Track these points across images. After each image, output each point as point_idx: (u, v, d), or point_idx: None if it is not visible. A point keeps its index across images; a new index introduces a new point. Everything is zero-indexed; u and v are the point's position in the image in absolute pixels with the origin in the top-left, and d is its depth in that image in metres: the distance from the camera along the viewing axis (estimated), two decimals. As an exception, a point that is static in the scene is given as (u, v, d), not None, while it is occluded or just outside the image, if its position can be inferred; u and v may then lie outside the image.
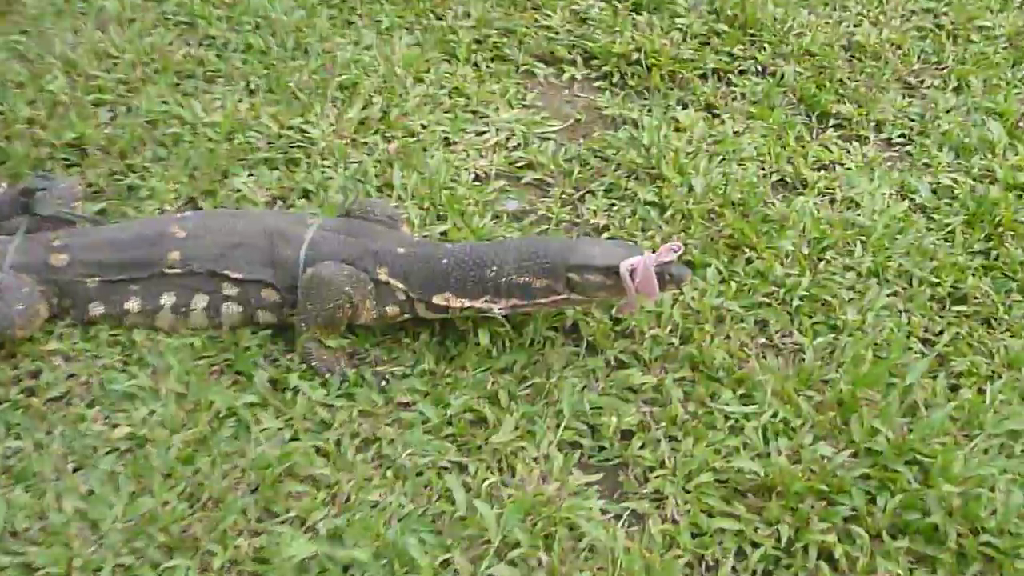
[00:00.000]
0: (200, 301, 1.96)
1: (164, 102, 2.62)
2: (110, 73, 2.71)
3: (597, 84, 2.87)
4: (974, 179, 2.49)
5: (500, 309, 1.95)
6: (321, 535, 1.73)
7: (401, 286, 1.94)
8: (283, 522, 1.75)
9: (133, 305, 1.97)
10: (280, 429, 1.86)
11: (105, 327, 2.00)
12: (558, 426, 1.84)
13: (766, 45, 2.91)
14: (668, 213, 2.40)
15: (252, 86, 2.64)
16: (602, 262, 1.91)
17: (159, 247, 1.98)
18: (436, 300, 1.94)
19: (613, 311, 2.13)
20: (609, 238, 2.31)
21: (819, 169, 2.56)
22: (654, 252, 1.93)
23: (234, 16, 2.84)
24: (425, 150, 2.55)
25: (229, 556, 1.64)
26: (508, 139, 2.63)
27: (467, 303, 1.95)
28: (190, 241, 1.96)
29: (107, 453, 1.87)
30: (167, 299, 1.95)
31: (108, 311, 1.99)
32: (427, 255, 1.99)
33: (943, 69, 2.91)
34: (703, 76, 2.89)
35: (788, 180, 2.56)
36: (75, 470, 1.79)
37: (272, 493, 1.79)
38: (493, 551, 1.70)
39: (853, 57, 2.89)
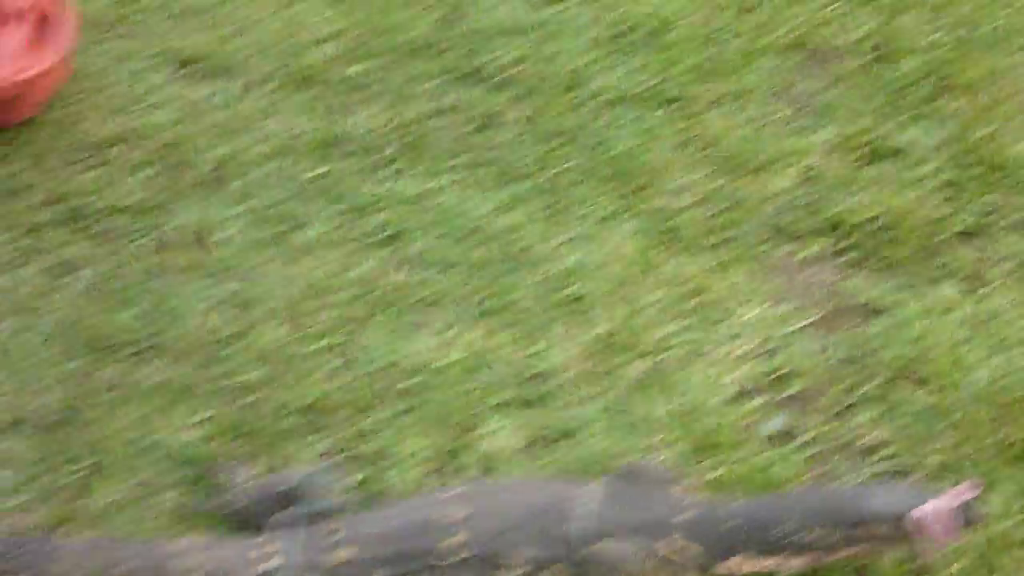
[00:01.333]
0: None
1: (392, 337, 2.83)
2: (327, 312, 2.98)
3: (842, 260, 3.04)
4: None
5: (794, 566, 2.22)
6: None
7: (690, 554, 2.20)
8: None
9: None
10: None
11: None
12: None
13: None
14: (950, 419, 2.58)
15: (478, 308, 2.88)
16: (892, 512, 2.15)
17: (443, 532, 2.25)
18: (728, 565, 2.22)
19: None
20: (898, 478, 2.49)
21: None
22: (947, 493, 2.15)
23: (443, 225, 3.02)
24: (673, 367, 2.77)
25: None
26: (758, 344, 2.84)
27: (761, 564, 2.21)
28: (472, 523, 2.22)
29: None
30: None
31: None
32: (714, 517, 2.24)
33: None
34: (958, 236, 3.04)
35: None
36: None
37: None
38: None
39: None
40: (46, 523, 2.47)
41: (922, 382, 2.65)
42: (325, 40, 3.70)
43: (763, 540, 2.23)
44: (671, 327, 2.82)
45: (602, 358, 2.77)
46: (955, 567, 2.30)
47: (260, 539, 2.32)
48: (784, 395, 2.69)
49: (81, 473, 2.56)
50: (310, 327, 2.90)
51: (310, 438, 2.61)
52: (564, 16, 3.77)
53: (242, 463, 2.56)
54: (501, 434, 2.63)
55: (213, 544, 2.34)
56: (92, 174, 3.13)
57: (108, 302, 2.89)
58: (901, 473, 2.52)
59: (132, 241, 3.03)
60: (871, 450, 2.56)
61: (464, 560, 2.25)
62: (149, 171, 3.17)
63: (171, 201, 3.11)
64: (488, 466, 2.59)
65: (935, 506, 2.14)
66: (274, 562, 2.26)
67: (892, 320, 2.79)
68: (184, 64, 3.47)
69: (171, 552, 2.29)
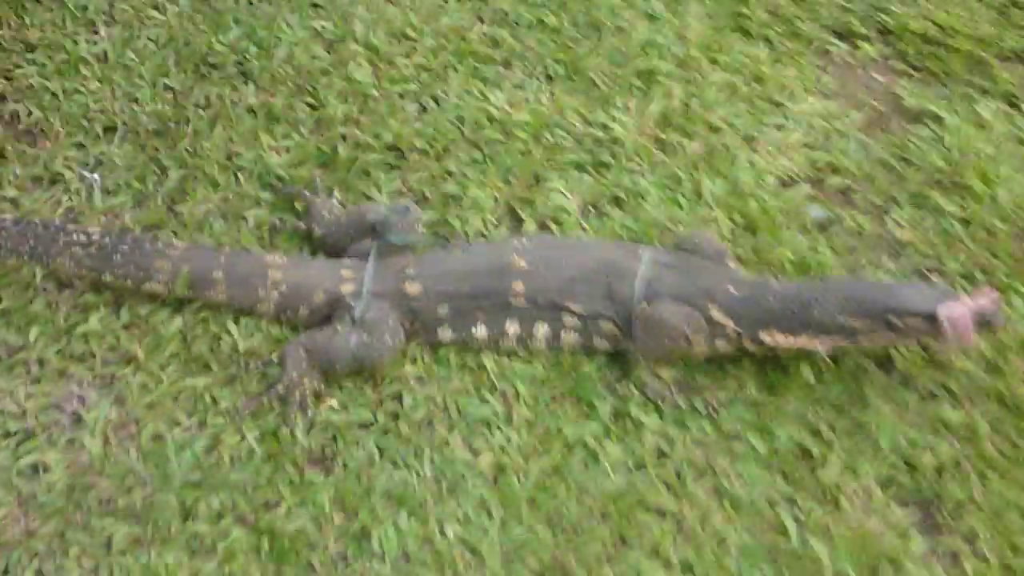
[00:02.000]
0: (541, 329, 2.29)
1: (468, 92, 2.69)
2: (410, 59, 2.90)
3: (895, 65, 2.96)
4: None
5: (822, 346, 2.22)
6: (674, 565, 2.04)
7: (732, 324, 2.23)
8: (638, 551, 2.08)
9: (480, 331, 2.30)
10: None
11: (453, 350, 2.32)
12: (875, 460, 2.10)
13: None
14: (972, 230, 2.57)
15: (550, 72, 2.75)
16: (921, 308, 2.17)
17: (504, 279, 2.29)
18: (763, 337, 2.23)
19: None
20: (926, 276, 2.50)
21: None
22: (971, 297, 2.21)
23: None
24: (727, 148, 2.73)
25: (598, 583, 1.89)
26: (807, 136, 2.79)
27: (792, 340, 2.22)
28: (532, 273, 2.27)
29: (475, 479, 2.19)
30: (511, 327, 2.29)
31: (456, 336, 2.33)
32: (756, 295, 2.28)
33: None
34: (1005, 59, 2.94)
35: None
36: (449, 494, 2.13)
37: (625, 523, 2.11)
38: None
39: None
40: (140, 226, 2.49)
41: (952, 192, 2.59)
42: None
43: (800, 318, 2.22)
44: (729, 110, 2.74)
45: (662, 132, 2.69)
46: (966, 363, 2.30)
47: (338, 265, 2.37)
48: (827, 187, 2.63)
49: (172, 183, 2.58)
50: (394, 70, 2.81)
51: (386, 176, 2.58)
52: None
53: (326, 192, 2.56)
54: (562, 193, 2.58)
55: (299, 262, 2.38)
56: None
57: (208, 24, 2.81)
58: (925, 274, 2.49)
59: None
60: (899, 248, 2.52)
61: (522, 306, 2.28)
62: None
63: None
64: (548, 222, 2.56)
65: (960, 307, 2.15)
66: (348, 287, 2.30)
67: (932, 130, 2.70)
68: None
69: (267, 262, 2.35)
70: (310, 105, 2.70)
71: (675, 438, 2.20)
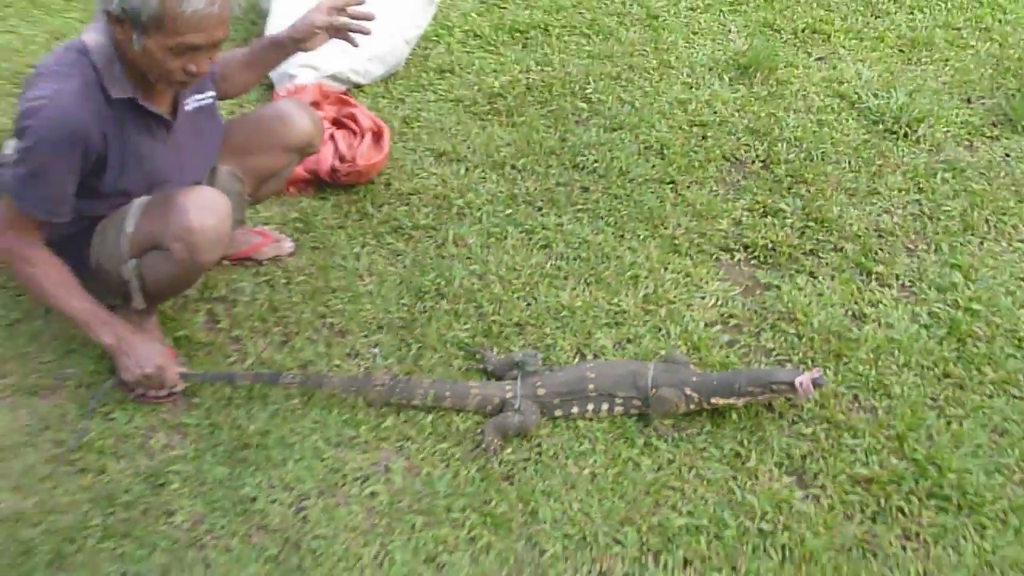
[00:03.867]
0: (604, 406, 2.45)
1: (554, 291, 2.85)
2: (522, 277, 2.96)
3: (753, 262, 3.06)
4: None
5: (739, 402, 2.45)
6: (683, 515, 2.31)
7: (697, 395, 2.41)
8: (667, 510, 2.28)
9: (575, 410, 2.45)
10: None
11: (562, 421, 2.46)
12: None
13: None
14: (803, 341, 2.71)
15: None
16: (787, 379, 2.38)
17: (584, 383, 2.44)
18: (713, 400, 2.43)
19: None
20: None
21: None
22: (809, 372, 2.39)
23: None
24: (678, 312, 2.84)
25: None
26: (716, 300, 2.90)
27: (725, 401, 2.44)
28: (596, 379, 2.43)
29: (582, 481, 2.34)
30: (590, 406, 2.45)
31: (563, 413, 2.47)
32: (706, 380, 2.45)
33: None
34: (808, 253, 3.02)
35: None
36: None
37: (657, 490, 2.32)
38: None
39: None
40: (402, 373, 2.60)
41: (791, 323, 2.77)
42: None
43: (728, 390, 2.42)
44: (675, 293, 2.85)
45: (647, 304, 2.80)
46: (809, 403, 2.49)
47: (503, 383, 2.50)
48: (730, 325, 2.80)
49: (414, 353, 2.66)
50: (514, 284, 2.88)
51: (518, 340, 2.71)
52: None
53: (490, 348, 2.66)
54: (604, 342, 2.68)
55: (483, 385, 2.50)
56: (402, 208, 3.15)
57: (418, 272, 2.90)
58: (781, 362, 2.67)
59: (427, 241, 3.05)
60: (768, 352, 2.69)
61: (594, 395, 2.46)
62: (426, 209, 3.17)
63: (441, 224, 3.11)
64: (598, 352, 2.67)
65: (805, 377, 2.38)
66: (510, 393, 2.45)
67: (776, 293, 2.88)
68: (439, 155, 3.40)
69: (469, 387, 2.48)
70: (475, 307, 2.80)
71: (672, 453, 2.42)
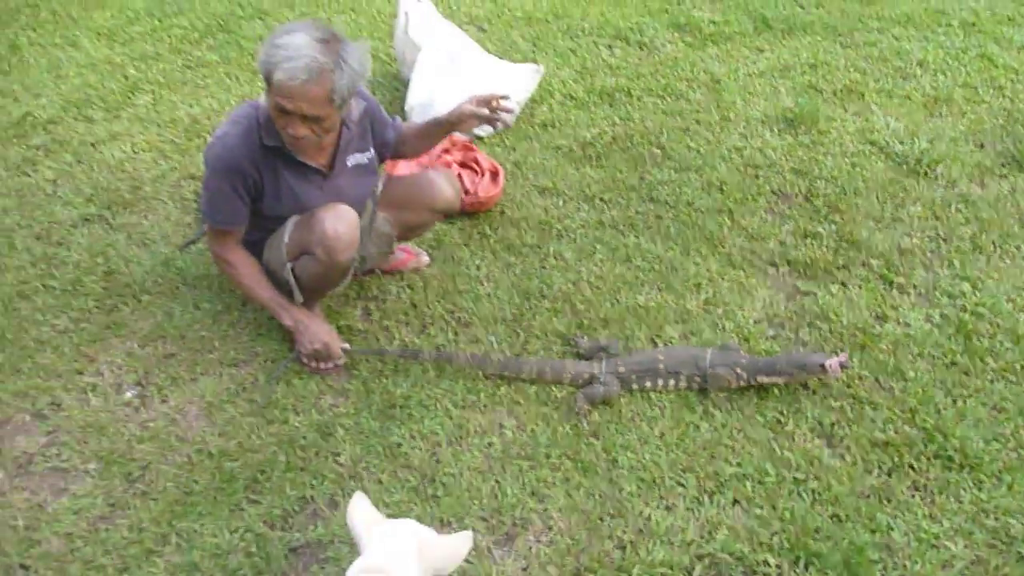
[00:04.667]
0: (671, 382, 2.52)
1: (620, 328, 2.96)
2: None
3: (796, 274, 3.07)
4: None
5: (781, 380, 2.50)
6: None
7: (745, 375, 2.51)
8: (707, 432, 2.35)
9: (649, 384, 2.50)
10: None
11: (639, 394, 2.52)
12: None
13: None
14: (835, 330, 2.72)
15: None
16: (819, 361, 2.45)
17: (656, 363, 2.52)
18: (759, 378, 2.50)
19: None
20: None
21: None
22: (837, 356, 2.45)
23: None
24: (725, 316, 2.93)
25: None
26: (764, 304, 2.96)
27: (767, 379, 2.50)
28: (666, 360, 2.52)
29: (654, 438, 2.44)
30: (661, 381, 2.51)
31: (639, 387, 2.53)
32: (754, 361, 2.49)
33: None
34: (828, 271, 3.02)
35: None
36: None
37: (715, 437, 2.49)
38: None
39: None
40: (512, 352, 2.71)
41: (823, 322, 2.80)
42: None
43: (771, 370, 2.50)
44: (728, 297, 2.93)
45: (704, 307, 2.87)
46: (839, 383, 2.56)
47: (591, 362, 2.58)
48: (774, 322, 2.84)
49: (522, 339, 2.78)
50: (601, 289, 2.94)
51: (604, 331, 2.79)
52: None
53: (583, 336, 2.75)
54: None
55: (576, 363, 2.59)
56: (513, 231, 3.25)
57: (525, 279, 2.99)
58: (816, 348, 2.69)
59: (532, 256, 3.17)
60: (806, 343, 2.74)
61: (663, 372, 2.52)
62: (532, 232, 3.29)
63: (544, 243, 3.21)
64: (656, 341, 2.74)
65: (833, 360, 2.45)
66: (596, 369, 2.53)
67: (814, 299, 2.91)
68: (542, 190, 3.60)
69: (565, 365, 2.58)
70: (572, 307, 2.88)
71: (725, 419, 2.50)
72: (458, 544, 1.52)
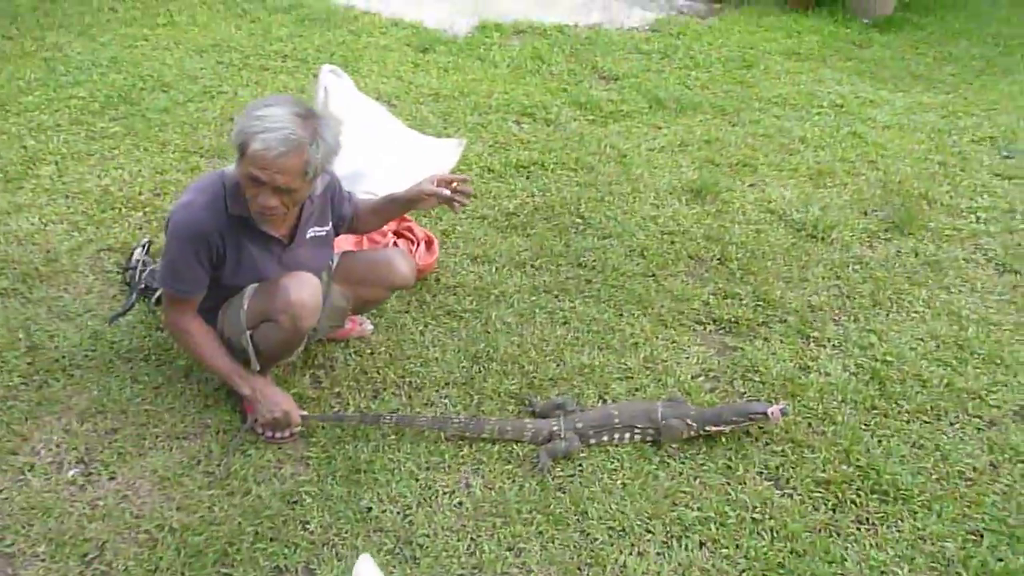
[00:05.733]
0: (627, 436, 2.65)
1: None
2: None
3: (724, 332, 3.26)
4: None
5: (727, 429, 2.64)
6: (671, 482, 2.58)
7: (696, 425, 2.63)
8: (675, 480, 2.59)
9: (605, 439, 2.61)
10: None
11: (597, 449, 2.61)
12: None
13: None
14: (766, 389, 2.90)
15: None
16: (761, 410, 2.62)
17: (611, 419, 2.63)
18: (708, 428, 2.64)
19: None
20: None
21: None
22: (776, 404, 2.62)
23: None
24: (668, 371, 3.09)
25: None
26: (696, 360, 3.15)
27: (716, 429, 2.65)
28: (621, 415, 2.62)
29: (615, 483, 2.55)
30: (616, 435, 2.63)
31: (596, 442, 2.63)
32: (703, 413, 2.63)
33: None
34: (781, 320, 3.50)
35: None
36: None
37: (671, 487, 2.68)
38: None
39: None
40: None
41: (751, 373, 3.04)
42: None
43: (718, 420, 2.64)
44: (665, 355, 3.08)
45: (645, 365, 3.05)
46: (779, 429, 2.73)
47: (550, 420, 2.68)
48: (710, 376, 3.03)
49: (475, 401, 2.85)
50: (546, 351, 3.16)
51: (554, 390, 2.91)
52: None
53: (536, 396, 2.86)
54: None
55: (536, 421, 2.69)
56: (452, 297, 3.35)
57: (471, 343, 3.10)
58: (755, 399, 2.84)
59: (474, 321, 3.29)
60: (742, 395, 2.93)
61: (619, 427, 2.63)
62: (470, 298, 3.42)
63: (483, 309, 3.39)
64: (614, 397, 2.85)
65: (775, 408, 2.62)
66: (556, 427, 2.62)
67: (740, 353, 3.12)
68: (473, 258, 3.83)
69: (525, 423, 2.66)
70: (520, 368, 3.06)
71: (681, 467, 2.63)
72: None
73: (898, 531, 2.39)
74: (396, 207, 2.75)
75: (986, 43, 6.13)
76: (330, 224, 2.66)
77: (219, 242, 2.42)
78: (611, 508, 2.44)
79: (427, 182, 2.62)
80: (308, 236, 2.60)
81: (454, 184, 2.62)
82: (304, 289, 2.44)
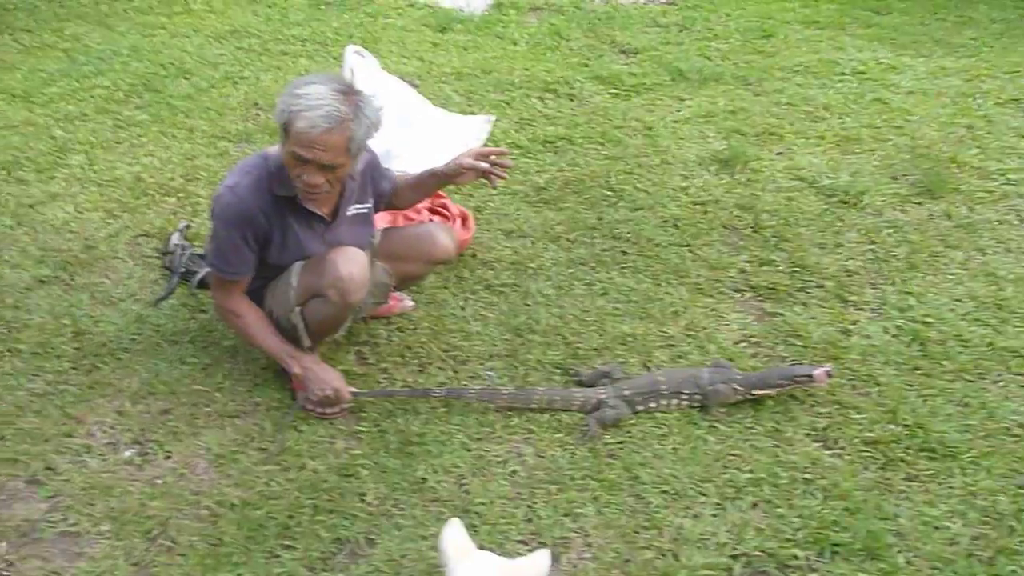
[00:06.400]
0: (674, 402, 2.67)
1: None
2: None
3: (760, 298, 3.27)
4: None
5: (775, 392, 2.69)
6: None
7: (742, 389, 2.66)
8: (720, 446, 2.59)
9: (652, 405, 2.63)
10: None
11: (646, 415, 2.67)
12: None
13: None
14: (814, 348, 2.92)
15: None
16: (807, 372, 2.64)
17: (658, 386, 2.67)
18: (754, 392, 2.67)
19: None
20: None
21: None
22: (822, 367, 2.64)
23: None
24: (705, 337, 3.11)
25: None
26: (737, 327, 3.15)
27: (763, 392, 2.67)
28: (667, 381, 2.66)
29: (662, 443, 2.62)
30: (663, 402, 2.65)
31: (644, 408, 2.65)
32: (748, 377, 2.66)
33: None
34: (818, 285, 3.37)
35: None
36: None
37: (720, 449, 2.69)
38: None
39: None
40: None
41: (792, 338, 3.06)
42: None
43: (765, 383, 2.67)
44: (705, 322, 3.12)
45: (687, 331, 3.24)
46: (824, 392, 2.76)
47: (598, 388, 2.71)
48: (752, 342, 3.05)
49: (521, 372, 2.92)
50: (587, 321, 3.17)
51: (598, 359, 2.95)
52: None
53: (581, 366, 2.89)
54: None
55: (583, 390, 2.73)
56: (489, 272, 3.39)
57: (512, 316, 3.13)
58: (800, 361, 2.85)
59: (513, 294, 3.32)
60: (787, 359, 2.93)
61: (667, 393, 2.68)
62: (507, 272, 3.44)
63: (521, 282, 3.39)
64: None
65: (820, 371, 2.64)
66: (604, 395, 2.66)
67: (780, 319, 3.18)
68: (508, 233, 3.91)
69: (573, 392, 2.71)
70: (563, 339, 3.13)
71: (729, 431, 2.66)
72: (539, 563, 1.63)
73: (949, 488, 2.39)
74: (435, 182, 2.75)
75: (1005, 6, 6.08)
76: (371, 201, 2.67)
77: (265, 223, 2.44)
78: (663, 472, 2.46)
79: (465, 156, 2.62)
80: (350, 213, 2.63)
81: (492, 157, 2.62)
82: (352, 263, 2.45)
